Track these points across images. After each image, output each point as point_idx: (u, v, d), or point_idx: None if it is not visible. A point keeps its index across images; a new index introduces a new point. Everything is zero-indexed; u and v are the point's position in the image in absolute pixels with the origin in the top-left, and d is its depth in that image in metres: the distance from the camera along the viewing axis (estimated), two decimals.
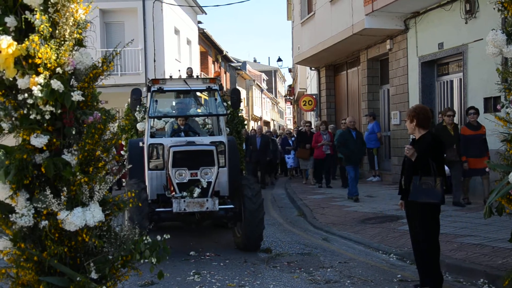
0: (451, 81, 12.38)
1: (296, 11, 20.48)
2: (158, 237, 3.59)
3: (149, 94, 8.13)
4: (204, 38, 30.83)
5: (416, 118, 5.32)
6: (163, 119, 9.75)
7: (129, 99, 12.88)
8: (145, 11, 21.82)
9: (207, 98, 9.34)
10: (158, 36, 21.87)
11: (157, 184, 7.89)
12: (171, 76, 8.71)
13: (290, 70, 45.95)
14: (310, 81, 26.14)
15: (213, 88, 8.37)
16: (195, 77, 8.88)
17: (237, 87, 32.03)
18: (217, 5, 61.02)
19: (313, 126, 18.05)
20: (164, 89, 8.21)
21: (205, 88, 8.43)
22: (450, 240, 7.14)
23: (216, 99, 8.56)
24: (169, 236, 3.59)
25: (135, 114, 10.27)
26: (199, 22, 29.84)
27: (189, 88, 8.37)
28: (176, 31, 24.67)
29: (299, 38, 19.84)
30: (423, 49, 12.76)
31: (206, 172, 7.28)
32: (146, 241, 3.53)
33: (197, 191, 7.12)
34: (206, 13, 29.28)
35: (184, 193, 7.13)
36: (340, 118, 19.00)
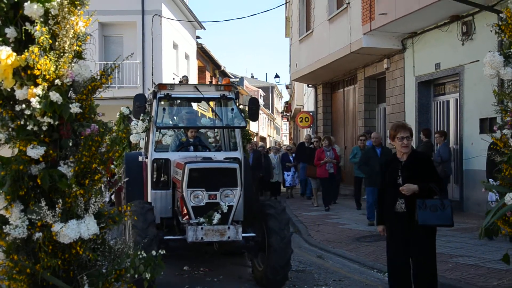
0: (447, 101, 12.45)
1: (295, 29, 20.64)
2: (153, 252, 3.56)
3: (155, 101, 7.16)
4: (202, 53, 30.97)
5: (412, 135, 5.13)
6: (161, 130, 8.88)
7: (122, 109, 12.46)
8: (144, 25, 21.96)
9: (202, 111, 8.90)
10: (157, 50, 21.97)
11: (161, 205, 6.92)
12: (180, 81, 7.94)
13: (287, 87, 46.13)
14: (307, 98, 26.23)
15: (228, 96, 7.39)
16: (207, 83, 8.23)
17: None
18: (216, 21, 61.58)
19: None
20: (172, 95, 7.26)
21: (219, 96, 7.41)
22: (445, 260, 7.11)
23: (232, 109, 7.52)
24: (164, 252, 3.57)
25: (139, 121, 9.56)
26: (198, 37, 30.01)
27: (202, 96, 7.31)
28: (175, 46, 24.79)
29: (297, 55, 19.96)
30: (420, 69, 12.85)
31: (227, 194, 6.16)
32: (140, 256, 3.50)
33: (216, 216, 6.02)
34: (204, 28, 29.48)
35: (201, 219, 6.04)
36: (337, 135, 19.02)
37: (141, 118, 7.15)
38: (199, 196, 6.14)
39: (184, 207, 6.25)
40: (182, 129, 7.94)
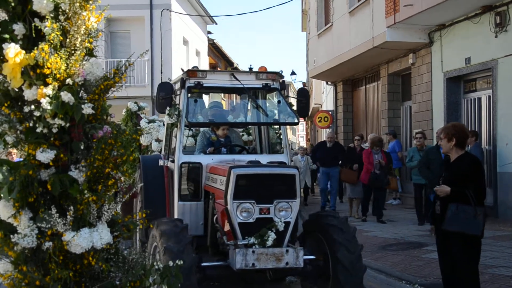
0: (479, 99, 12.31)
1: (312, 22, 20.59)
2: (170, 263, 3.54)
3: (183, 91, 6.30)
4: (214, 49, 31.06)
5: (455, 137, 5.15)
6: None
7: (129, 104, 11.99)
8: (152, 20, 22.07)
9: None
10: (166, 46, 22.07)
11: (190, 221, 6.02)
12: (214, 67, 7.41)
13: (304, 85, 45.97)
14: (325, 96, 26.15)
15: (272, 86, 6.54)
16: (247, 69, 6.75)
17: None
18: (229, 15, 61.87)
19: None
20: (205, 85, 6.36)
21: (260, 86, 6.53)
22: (480, 271, 6.92)
23: (279, 102, 6.57)
24: (182, 262, 3.54)
25: (163, 117, 7.81)
26: (209, 33, 30.09)
27: (241, 86, 6.42)
28: (185, 42, 24.87)
29: (315, 50, 19.91)
30: (449, 64, 12.72)
31: (282, 207, 5.29)
32: (157, 267, 3.48)
33: (271, 236, 5.15)
34: (216, 23, 29.56)
35: (252, 239, 5.17)
36: None
37: (167, 112, 6.17)
38: (248, 210, 5.25)
39: (228, 224, 5.35)
40: (209, 127, 7.08)
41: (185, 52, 25.10)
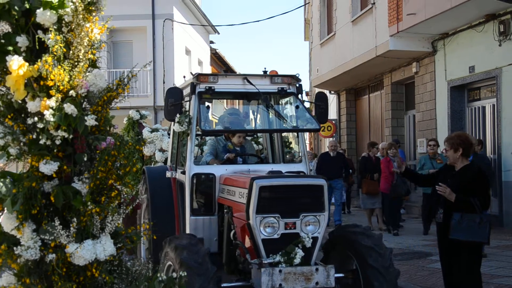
0: (483, 107, 12.32)
1: (315, 32, 20.65)
2: (174, 274, 3.54)
3: (193, 97, 5.91)
4: (216, 59, 31.16)
5: (461, 146, 5.23)
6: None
7: (130, 113, 11.52)
8: (154, 30, 22.17)
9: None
10: (168, 56, 22.15)
11: (204, 236, 5.69)
12: (225, 70, 7.25)
13: (307, 94, 45.93)
14: (329, 106, 26.19)
15: (288, 91, 6.18)
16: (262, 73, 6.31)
17: None
18: (231, 25, 62.11)
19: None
20: (216, 90, 5.98)
21: (275, 90, 6.16)
22: (486, 281, 6.96)
23: (297, 107, 6.12)
24: (185, 274, 3.54)
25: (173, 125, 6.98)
26: (211, 42, 30.22)
27: (255, 90, 5.97)
28: (187, 51, 24.97)
29: (318, 59, 19.96)
30: (453, 72, 12.74)
31: (309, 221, 4.91)
32: (160, 278, 3.48)
33: (299, 254, 4.76)
34: (219, 33, 29.67)
35: (278, 257, 4.78)
36: (362, 145, 18.96)
37: (176, 120, 5.77)
38: (273, 225, 4.85)
39: (249, 240, 4.97)
40: (223, 136, 6.72)
41: (188, 61, 25.20)
